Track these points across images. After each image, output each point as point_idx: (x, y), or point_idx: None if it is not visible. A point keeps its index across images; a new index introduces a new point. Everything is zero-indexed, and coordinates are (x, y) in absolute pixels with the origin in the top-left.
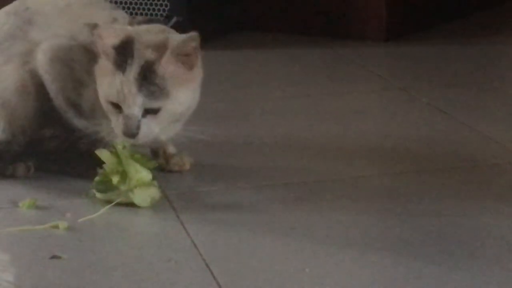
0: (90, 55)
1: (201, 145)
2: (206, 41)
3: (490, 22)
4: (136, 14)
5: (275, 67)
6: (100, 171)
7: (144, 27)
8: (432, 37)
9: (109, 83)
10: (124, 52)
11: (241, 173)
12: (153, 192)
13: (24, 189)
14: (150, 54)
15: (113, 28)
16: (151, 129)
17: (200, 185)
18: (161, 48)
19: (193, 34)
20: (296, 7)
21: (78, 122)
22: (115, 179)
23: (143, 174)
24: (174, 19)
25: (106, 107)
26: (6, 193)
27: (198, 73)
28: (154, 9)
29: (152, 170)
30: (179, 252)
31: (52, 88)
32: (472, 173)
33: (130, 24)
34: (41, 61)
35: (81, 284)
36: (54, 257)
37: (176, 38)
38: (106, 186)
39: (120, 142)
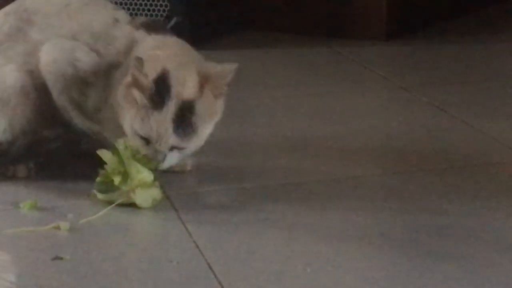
0: (93, 54)
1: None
2: (206, 42)
3: (490, 20)
4: (136, 14)
5: (276, 66)
6: (101, 171)
7: (172, 49)
8: (432, 36)
9: (141, 118)
10: (161, 89)
11: (243, 173)
12: (155, 193)
13: (25, 190)
14: (188, 93)
15: (152, 62)
16: (174, 160)
17: (201, 185)
18: (199, 85)
19: (234, 67)
20: (296, 7)
21: (81, 122)
22: (116, 180)
23: (145, 174)
24: (174, 20)
25: (133, 137)
26: (7, 194)
27: (222, 102)
28: (154, 10)
29: (153, 170)
30: (181, 252)
31: (55, 88)
32: (473, 172)
33: (131, 24)
34: (44, 61)
35: (84, 285)
36: (56, 258)
37: (214, 71)
38: (108, 187)
39: (122, 142)
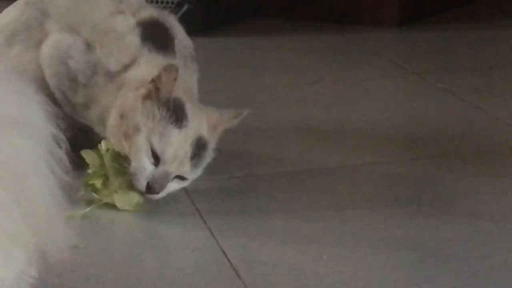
0: (90, 52)
1: None
2: (217, 29)
3: (502, 6)
4: (147, 1)
5: (287, 53)
6: (87, 172)
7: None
8: (445, 21)
9: (160, 133)
10: (179, 111)
11: (256, 161)
12: (135, 197)
13: None
14: (204, 131)
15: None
16: (170, 190)
17: (214, 173)
18: (211, 128)
19: (244, 113)
20: None
21: (75, 118)
22: (97, 182)
23: (125, 178)
24: (185, 7)
25: (146, 152)
26: None
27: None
28: None
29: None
30: (195, 240)
31: (50, 82)
32: (487, 158)
33: (134, 15)
34: (43, 55)
35: (100, 273)
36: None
37: (222, 118)
38: (92, 188)
39: (104, 144)
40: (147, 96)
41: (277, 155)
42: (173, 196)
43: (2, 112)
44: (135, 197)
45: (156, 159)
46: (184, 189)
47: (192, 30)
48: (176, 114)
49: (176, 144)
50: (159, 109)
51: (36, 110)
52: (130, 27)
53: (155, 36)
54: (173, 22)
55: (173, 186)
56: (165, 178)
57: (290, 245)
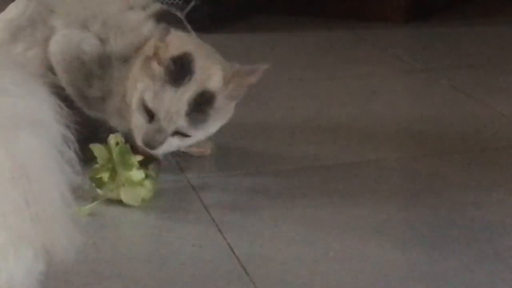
0: (102, 46)
1: (222, 129)
2: (224, 25)
3: (510, 2)
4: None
5: (295, 50)
6: (94, 166)
7: (197, 42)
8: (453, 17)
9: (155, 91)
10: (183, 68)
11: (263, 158)
12: (142, 192)
13: None
14: (213, 84)
15: (181, 38)
16: (171, 147)
17: (222, 169)
18: (224, 80)
19: (263, 67)
20: None
21: (87, 111)
22: (105, 176)
23: (133, 172)
24: (193, 3)
25: (138, 106)
26: None
27: (234, 105)
28: None
29: (152, 169)
30: (203, 236)
31: (62, 78)
32: (495, 155)
33: (144, 9)
34: (53, 51)
35: (107, 269)
36: None
37: (243, 68)
38: (98, 182)
39: (114, 136)
40: (150, 57)
41: (285, 151)
42: (180, 192)
43: (13, 112)
44: (141, 192)
45: (151, 116)
46: (191, 185)
47: (199, 26)
48: (177, 73)
49: (169, 101)
50: (160, 68)
51: (47, 110)
52: (143, 18)
53: (168, 21)
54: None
55: (175, 142)
56: (160, 134)
57: (298, 241)
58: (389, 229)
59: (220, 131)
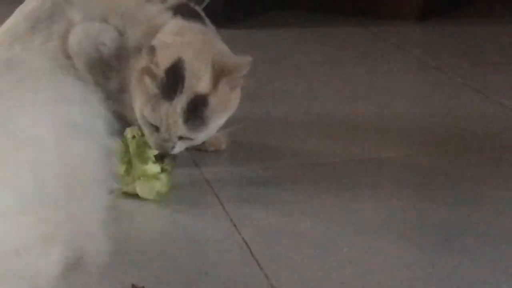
0: (120, 39)
1: (236, 123)
2: (239, 21)
3: None
4: None
5: (309, 46)
6: None
7: (191, 37)
8: (467, 15)
9: (152, 106)
10: (173, 79)
11: (278, 152)
12: (157, 185)
13: None
14: (202, 87)
15: (166, 50)
16: (183, 147)
17: (236, 164)
18: (214, 78)
19: (248, 60)
20: None
21: (106, 105)
22: (121, 169)
23: (149, 166)
24: None
25: (143, 122)
26: None
27: (237, 94)
28: None
29: (168, 163)
30: (218, 230)
31: (81, 70)
32: (507, 154)
33: (162, 2)
34: (72, 44)
35: (123, 262)
36: None
37: (229, 65)
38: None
39: (129, 131)
40: (144, 71)
41: (298, 147)
42: (195, 187)
43: (68, 119)
44: (157, 186)
45: (155, 127)
46: (206, 180)
47: (214, 21)
48: (170, 85)
49: (165, 115)
50: (152, 83)
51: (98, 120)
52: (161, 10)
53: (186, 13)
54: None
55: (184, 144)
56: (167, 142)
57: (312, 236)
58: (404, 226)
59: (234, 125)
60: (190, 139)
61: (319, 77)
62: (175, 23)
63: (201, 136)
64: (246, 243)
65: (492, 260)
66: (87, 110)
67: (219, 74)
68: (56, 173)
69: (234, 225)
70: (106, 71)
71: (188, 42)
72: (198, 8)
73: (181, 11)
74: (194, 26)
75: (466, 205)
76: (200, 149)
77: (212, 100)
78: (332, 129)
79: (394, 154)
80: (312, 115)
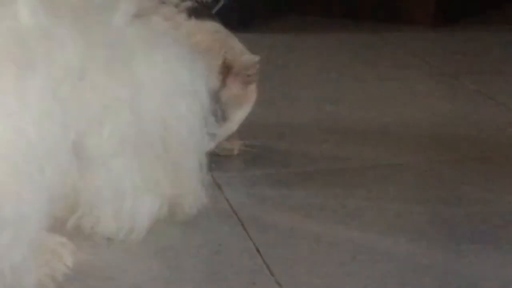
0: None
1: (249, 129)
2: (252, 25)
3: None
4: None
5: (321, 51)
6: None
7: (203, 35)
8: (482, 22)
9: None
10: None
11: (289, 157)
12: None
13: None
14: (212, 81)
15: None
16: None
17: (248, 169)
18: (224, 74)
19: (255, 58)
20: None
21: None
22: None
23: None
24: (221, 2)
25: None
26: None
27: (254, 90)
28: None
29: None
30: (228, 235)
31: None
32: None
33: (177, 7)
34: None
35: (134, 267)
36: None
37: (238, 61)
38: None
39: None
40: None
41: (309, 152)
42: (207, 191)
43: (178, 78)
44: None
45: None
46: (217, 184)
47: (227, 25)
48: None
49: None
50: None
51: (202, 84)
52: (174, 12)
53: (199, 15)
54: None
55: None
56: None
57: (324, 242)
58: (415, 233)
59: (248, 130)
60: (212, 135)
61: (331, 82)
62: (188, 25)
63: (222, 131)
64: (257, 248)
65: (504, 265)
66: (194, 71)
67: (228, 70)
68: (158, 124)
69: (245, 230)
70: None
71: (201, 40)
72: (211, 12)
73: (196, 13)
74: (208, 24)
75: (479, 211)
76: (212, 154)
77: (224, 96)
78: (343, 135)
79: (406, 160)
80: (324, 120)
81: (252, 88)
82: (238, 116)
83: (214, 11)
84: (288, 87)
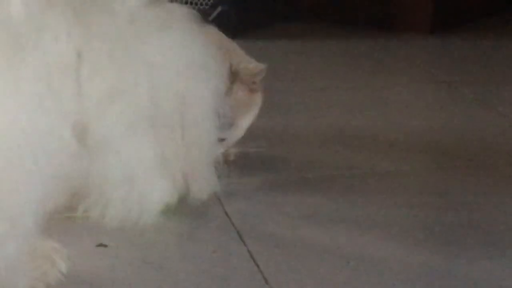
0: None
1: (245, 135)
2: (251, 31)
3: None
4: (181, 2)
5: (319, 58)
6: None
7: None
8: (480, 29)
9: None
10: None
11: (286, 165)
12: None
13: None
14: (225, 68)
15: None
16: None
17: (244, 176)
18: (230, 80)
19: (261, 66)
20: None
21: None
22: None
23: None
24: (219, 9)
25: None
26: None
27: (259, 97)
28: None
29: None
30: (223, 242)
31: None
32: None
33: None
34: None
35: (128, 273)
36: (101, 245)
37: (243, 68)
38: None
39: None
40: None
41: (308, 160)
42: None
43: (193, 59)
44: None
45: None
46: (214, 192)
47: (226, 32)
48: None
49: None
50: None
51: (214, 62)
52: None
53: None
54: None
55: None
56: None
57: (319, 249)
58: (409, 240)
59: (243, 137)
60: (220, 139)
61: (327, 90)
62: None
63: (230, 136)
64: (252, 256)
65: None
66: (208, 52)
67: (234, 77)
68: (172, 102)
69: (241, 238)
70: None
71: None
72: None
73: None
74: (211, 31)
75: (474, 219)
76: None
77: (230, 102)
78: (341, 142)
79: (404, 167)
80: (322, 128)
81: (258, 95)
82: (244, 123)
83: (212, 17)
84: (284, 94)
